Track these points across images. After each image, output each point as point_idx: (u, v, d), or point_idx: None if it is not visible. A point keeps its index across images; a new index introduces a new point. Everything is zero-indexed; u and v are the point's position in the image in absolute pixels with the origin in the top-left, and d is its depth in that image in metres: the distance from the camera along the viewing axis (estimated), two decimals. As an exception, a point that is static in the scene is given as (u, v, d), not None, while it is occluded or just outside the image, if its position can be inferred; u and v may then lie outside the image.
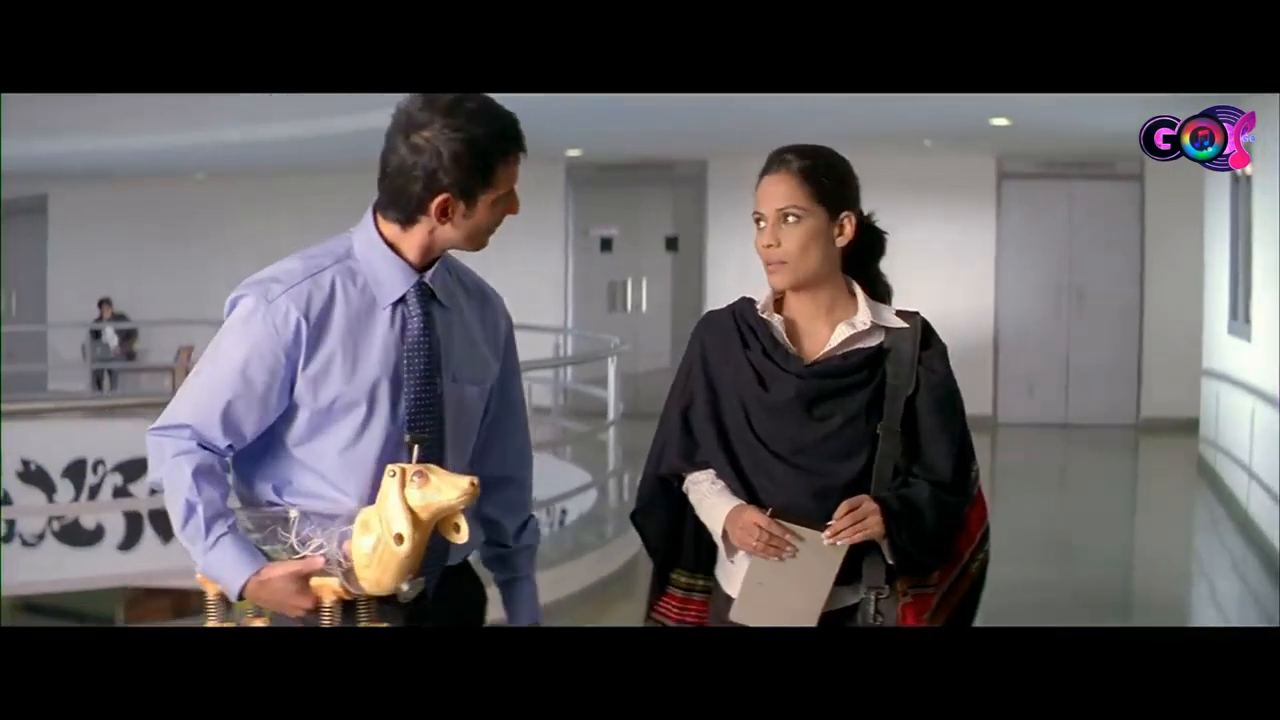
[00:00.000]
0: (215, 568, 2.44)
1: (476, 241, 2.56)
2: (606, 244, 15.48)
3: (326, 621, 2.42)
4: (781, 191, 2.71)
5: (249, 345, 2.47)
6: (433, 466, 2.38)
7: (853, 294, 2.77)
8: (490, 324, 2.69)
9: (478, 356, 2.64)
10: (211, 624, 2.49)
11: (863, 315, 2.74)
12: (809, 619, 2.66)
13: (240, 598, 2.44)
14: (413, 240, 2.52)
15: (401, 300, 2.53)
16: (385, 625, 2.43)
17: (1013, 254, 14.27)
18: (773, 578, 2.66)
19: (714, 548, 2.81)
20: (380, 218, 2.53)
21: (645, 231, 15.35)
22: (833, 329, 2.74)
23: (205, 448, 2.48)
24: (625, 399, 9.38)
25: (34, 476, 12.15)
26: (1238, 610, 7.61)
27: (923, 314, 2.82)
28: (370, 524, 2.38)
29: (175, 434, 2.48)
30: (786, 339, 2.76)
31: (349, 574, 2.41)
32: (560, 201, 15.42)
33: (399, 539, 2.34)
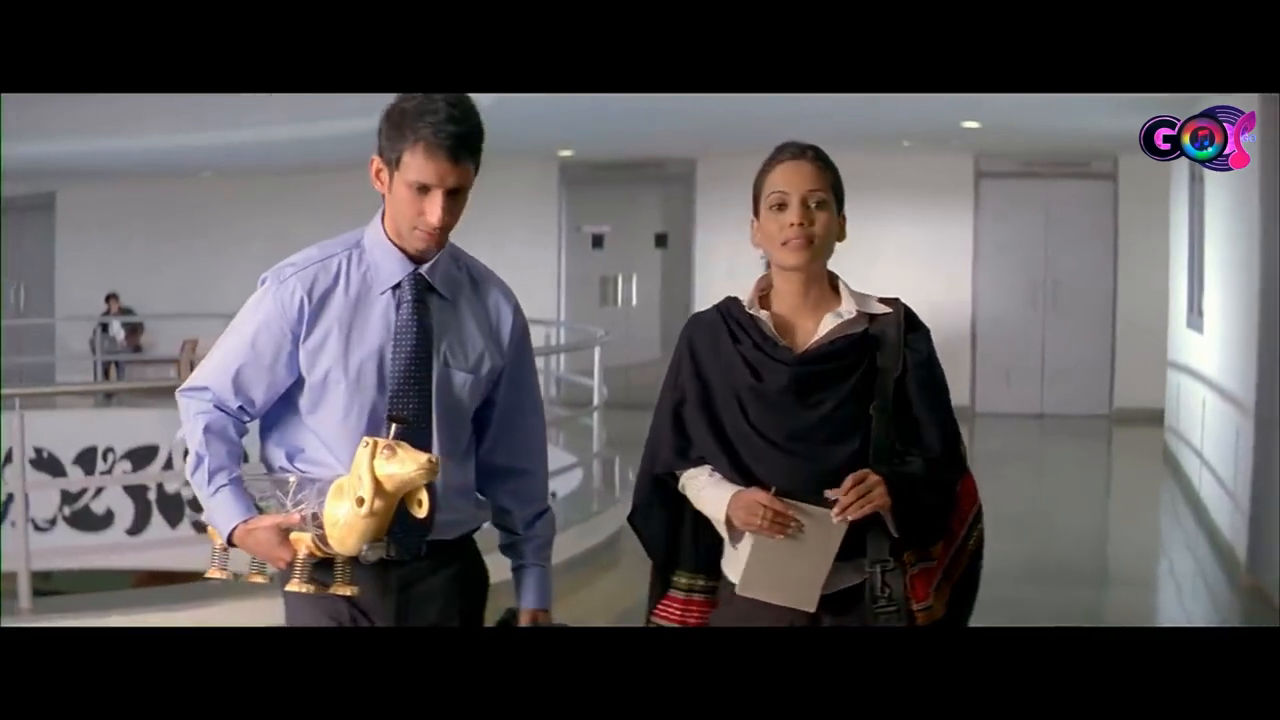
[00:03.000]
0: (214, 513, 2.65)
1: (396, 224, 2.67)
2: (598, 241, 15.64)
3: (298, 572, 2.57)
4: (809, 175, 2.77)
5: (260, 319, 2.69)
6: (402, 443, 2.48)
7: (834, 288, 2.84)
8: (493, 317, 2.79)
9: (472, 346, 2.74)
10: (213, 571, 2.68)
11: (848, 305, 2.80)
12: (811, 593, 2.72)
13: (230, 542, 2.64)
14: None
15: (398, 287, 2.68)
16: (355, 589, 2.58)
17: (990, 250, 14.42)
18: (776, 555, 2.69)
19: (712, 547, 2.86)
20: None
21: (636, 229, 15.51)
22: (817, 321, 2.80)
23: (221, 409, 2.69)
24: (616, 389, 9.69)
25: (46, 464, 12.35)
26: (1190, 586, 7.93)
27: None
28: (343, 489, 2.52)
29: (197, 395, 2.72)
30: (775, 332, 2.80)
31: (321, 535, 2.56)
32: (554, 199, 15.65)
33: (360, 502, 2.47)
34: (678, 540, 2.88)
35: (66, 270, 17.67)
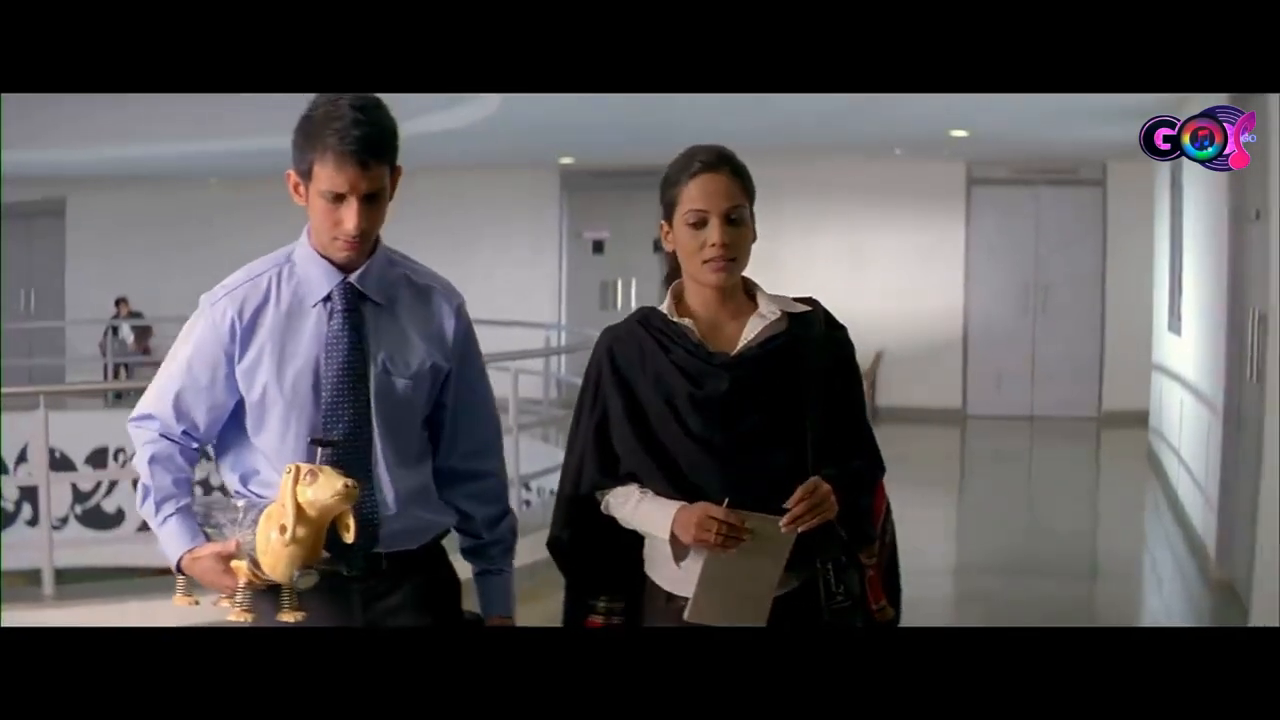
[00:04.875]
0: (163, 542, 2.64)
1: (317, 236, 2.62)
2: (598, 246, 15.80)
3: (238, 600, 2.52)
4: (726, 190, 2.67)
5: (194, 343, 2.66)
6: (325, 468, 2.43)
7: (748, 290, 2.77)
8: (435, 321, 2.71)
9: (413, 351, 2.67)
10: (179, 599, 2.67)
11: (770, 306, 2.73)
12: (763, 606, 2.62)
13: (179, 570, 2.62)
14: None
15: (329, 298, 2.63)
16: (300, 614, 2.50)
17: (981, 256, 14.59)
18: (728, 571, 2.58)
19: (631, 571, 2.77)
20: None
21: (635, 234, 15.46)
22: (740, 324, 2.73)
23: (166, 437, 2.67)
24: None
25: (58, 463, 12.51)
26: (1169, 583, 8.13)
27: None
28: (272, 516, 2.47)
29: (144, 424, 2.70)
30: (702, 338, 2.71)
31: (257, 562, 2.51)
32: (555, 206, 15.86)
33: (282, 530, 2.43)
34: (601, 565, 2.78)
35: (76, 274, 17.89)
